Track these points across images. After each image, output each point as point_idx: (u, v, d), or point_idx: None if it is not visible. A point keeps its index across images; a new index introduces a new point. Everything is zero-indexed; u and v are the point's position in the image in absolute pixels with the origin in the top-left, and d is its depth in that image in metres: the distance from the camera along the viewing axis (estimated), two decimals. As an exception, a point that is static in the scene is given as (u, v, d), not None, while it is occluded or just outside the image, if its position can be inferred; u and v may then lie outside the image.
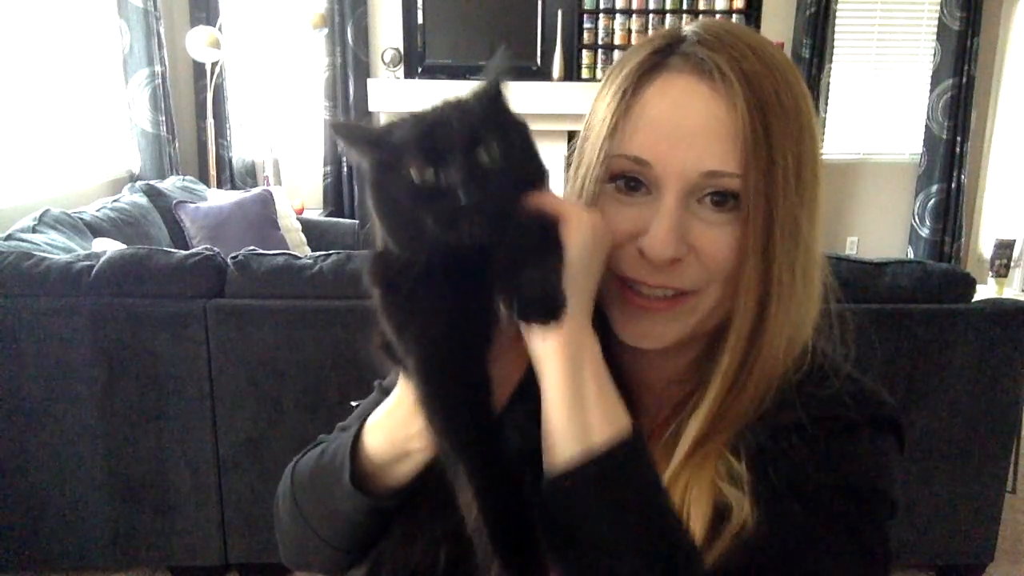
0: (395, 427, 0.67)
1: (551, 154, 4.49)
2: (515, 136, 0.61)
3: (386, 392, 0.83)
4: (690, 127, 0.64)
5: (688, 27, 0.69)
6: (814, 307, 0.70)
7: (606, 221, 0.66)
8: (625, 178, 0.67)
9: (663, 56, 0.67)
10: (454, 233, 0.56)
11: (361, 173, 0.65)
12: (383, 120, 4.38)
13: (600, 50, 4.41)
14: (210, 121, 4.16)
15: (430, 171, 0.57)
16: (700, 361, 0.73)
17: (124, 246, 2.20)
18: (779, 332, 0.66)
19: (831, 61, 4.52)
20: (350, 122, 0.68)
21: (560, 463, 0.58)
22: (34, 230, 2.38)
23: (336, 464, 0.71)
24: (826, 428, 0.65)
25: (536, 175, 0.62)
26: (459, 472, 0.58)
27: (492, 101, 0.61)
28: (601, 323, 0.65)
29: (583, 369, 0.58)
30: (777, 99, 0.64)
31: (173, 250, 2.07)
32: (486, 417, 0.59)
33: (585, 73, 4.41)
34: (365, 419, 0.73)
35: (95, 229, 2.71)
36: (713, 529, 0.62)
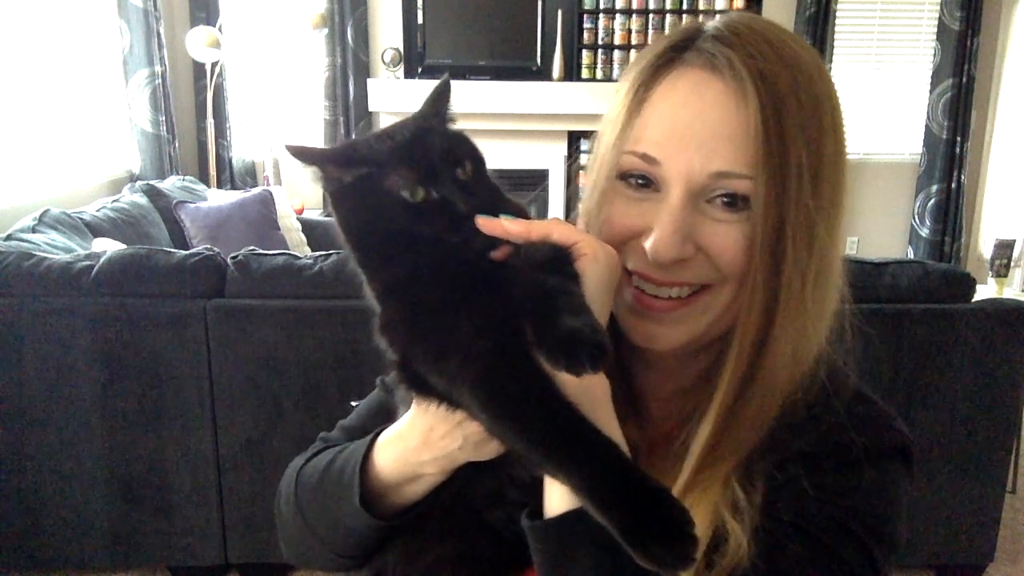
0: (407, 451, 0.66)
1: (551, 154, 4.50)
2: (477, 153, 0.64)
3: (389, 389, 0.83)
4: (699, 125, 0.62)
5: (710, 22, 0.67)
6: (826, 319, 0.67)
7: (615, 217, 0.66)
8: (635, 175, 0.66)
9: (679, 51, 0.66)
10: (458, 237, 0.59)
11: (334, 193, 0.63)
12: (383, 120, 4.40)
13: (600, 50, 4.41)
14: (210, 121, 4.16)
15: (421, 190, 0.59)
16: (709, 371, 0.71)
17: (124, 246, 2.20)
18: (786, 341, 0.64)
19: (831, 61, 4.51)
20: (304, 145, 0.70)
21: (556, 505, 0.57)
22: (34, 230, 2.38)
23: (345, 479, 0.70)
24: (834, 459, 0.63)
25: (492, 180, 0.65)
26: (558, 471, 0.54)
27: (446, 121, 0.65)
28: (610, 328, 0.63)
29: (596, 410, 0.56)
30: (795, 98, 0.61)
31: (173, 250, 2.07)
32: (563, 405, 0.54)
33: (585, 73, 4.41)
34: (372, 427, 0.72)
35: (95, 229, 2.70)
36: (707, 557, 0.61)
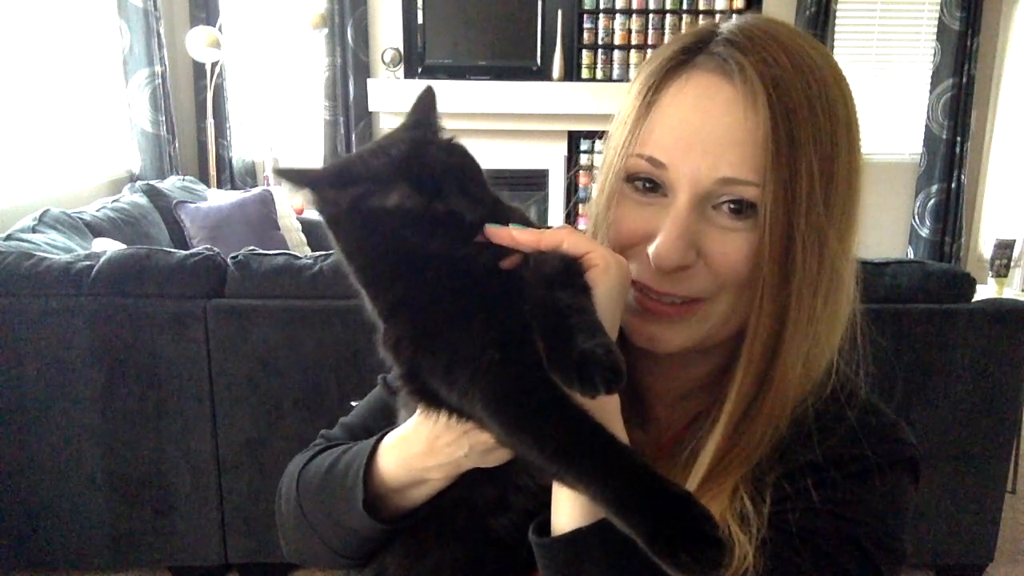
0: (412, 456, 0.65)
1: (551, 154, 4.50)
2: (474, 161, 0.63)
3: (391, 389, 0.83)
4: (708, 131, 0.61)
5: (725, 24, 0.66)
6: (838, 329, 0.66)
7: (622, 220, 0.66)
8: (643, 178, 0.65)
9: (691, 54, 0.65)
10: (466, 249, 0.58)
11: (331, 216, 0.61)
12: (383, 120, 4.39)
13: (600, 50, 4.40)
14: (210, 121, 4.16)
15: (426, 199, 0.57)
16: (715, 376, 0.71)
17: (124, 246, 2.20)
18: (797, 353, 0.63)
19: (831, 61, 4.50)
20: (294, 168, 0.68)
21: (565, 522, 0.57)
22: (34, 230, 2.38)
23: (348, 482, 0.69)
24: (844, 470, 0.63)
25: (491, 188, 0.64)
26: (578, 480, 0.52)
27: (437, 131, 0.63)
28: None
29: (605, 423, 0.54)
30: (808, 106, 0.60)
31: (173, 250, 2.07)
32: (578, 414, 0.53)
33: (585, 73, 4.40)
34: (373, 424, 0.72)
35: (95, 229, 2.70)
36: None
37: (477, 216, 0.58)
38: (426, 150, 0.60)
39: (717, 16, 4.34)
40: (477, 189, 0.60)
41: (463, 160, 0.61)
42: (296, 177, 0.59)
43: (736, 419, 0.64)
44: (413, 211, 0.57)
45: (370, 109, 4.35)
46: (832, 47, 4.50)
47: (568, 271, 0.57)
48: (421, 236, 0.58)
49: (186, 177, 3.79)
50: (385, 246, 0.59)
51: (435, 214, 0.57)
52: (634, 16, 4.37)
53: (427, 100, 0.65)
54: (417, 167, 0.58)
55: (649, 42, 4.35)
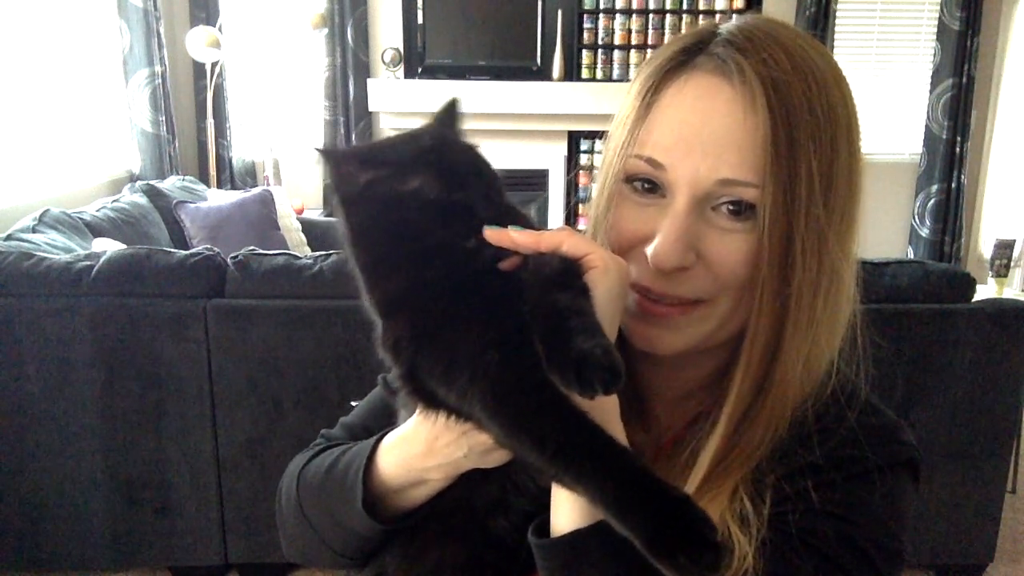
0: (411, 457, 0.65)
1: (551, 154, 4.50)
2: (492, 167, 0.64)
3: (391, 388, 0.83)
4: (707, 132, 0.61)
5: (725, 25, 0.66)
6: (838, 330, 0.66)
7: (622, 221, 0.66)
8: (642, 179, 0.65)
9: (690, 55, 0.65)
10: (473, 243, 0.59)
11: (347, 195, 0.62)
12: (383, 120, 4.39)
13: (600, 50, 4.40)
14: (210, 121, 4.16)
15: (444, 191, 0.58)
16: (715, 377, 0.70)
17: (124, 246, 2.20)
18: (796, 355, 0.63)
19: (831, 61, 4.50)
20: (329, 147, 0.71)
21: (564, 523, 0.57)
22: (34, 230, 2.38)
23: (348, 482, 0.69)
24: (844, 472, 0.63)
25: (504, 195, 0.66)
26: (576, 482, 0.52)
27: (460, 134, 0.66)
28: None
29: (604, 424, 0.54)
30: (808, 108, 0.60)
31: (173, 250, 2.07)
32: (577, 415, 0.53)
33: (585, 73, 4.40)
34: (373, 424, 0.72)
35: (95, 229, 2.70)
36: None
37: (488, 212, 0.59)
38: (450, 146, 0.62)
39: (717, 16, 4.34)
40: (492, 189, 0.61)
41: (482, 161, 0.63)
42: (323, 152, 0.61)
43: (736, 420, 0.64)
44: (429, 197, 0.58)
45: (370, 109, 4.35)
46: (832, 47, 4.50)
47: (567, 272, 0.57)
48: (430, 221, 0.58)
49: (186, 177, 3.79)
50: (394, 231, 0.60)
51: (449, 204, 0.59)
52: (634, 16, 4.37)
53: (451, 110, 0.67)
54: (440, 158, 0.60)
55: (649, 42, 4.35)
